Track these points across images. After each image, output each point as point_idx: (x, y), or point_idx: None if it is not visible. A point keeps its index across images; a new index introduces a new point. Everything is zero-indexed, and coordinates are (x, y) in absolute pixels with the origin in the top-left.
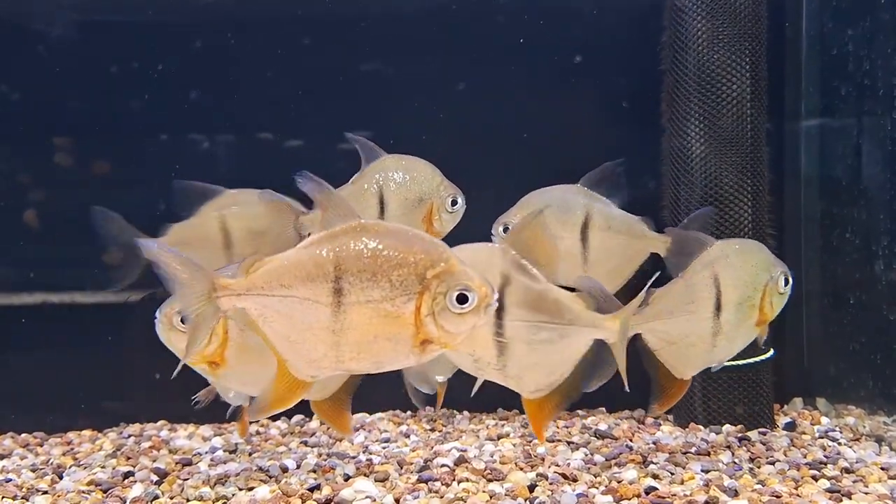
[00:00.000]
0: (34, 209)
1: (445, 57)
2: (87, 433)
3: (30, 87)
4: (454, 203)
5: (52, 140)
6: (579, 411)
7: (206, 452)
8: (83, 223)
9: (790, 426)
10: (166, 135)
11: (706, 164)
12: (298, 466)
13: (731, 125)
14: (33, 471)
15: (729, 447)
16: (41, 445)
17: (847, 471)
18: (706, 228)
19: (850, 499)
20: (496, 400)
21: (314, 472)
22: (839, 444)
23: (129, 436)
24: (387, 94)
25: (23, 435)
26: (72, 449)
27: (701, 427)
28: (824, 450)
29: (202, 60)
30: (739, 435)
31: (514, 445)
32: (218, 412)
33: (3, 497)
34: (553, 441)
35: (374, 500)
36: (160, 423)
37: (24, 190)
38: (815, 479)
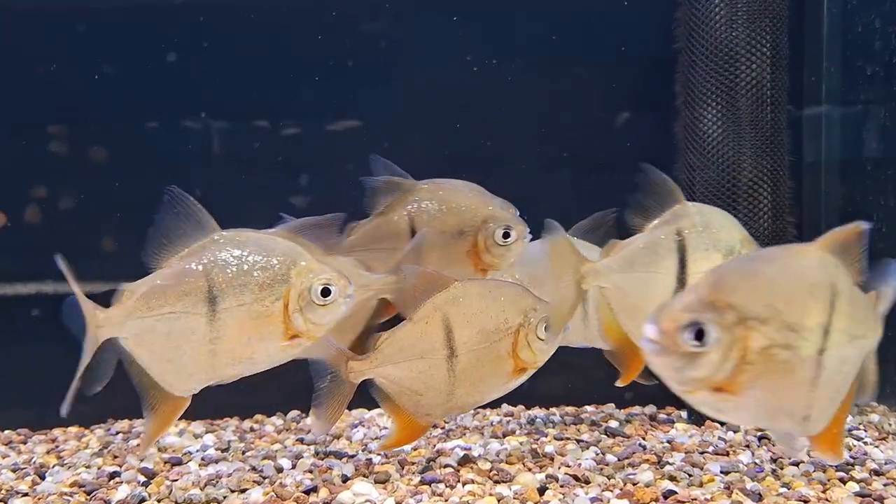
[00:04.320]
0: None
1: (451, 35)
2: (73, 430)
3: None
4: (506, 236)
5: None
6: (588, 407)
7: (197, 451)
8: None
9: None
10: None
11: (723, 149)
12: (294, 466)
13: (750, 108)
14: (14, 471)
15: (748, 446)
16: (24, 443)
17: (876, 473)
18: None
19: None
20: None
21: (310, 472)
22: (865, 443)
23: (117, 433)
24: (391, 80)
25: (6, 432)
26: (57, 447)
27: (717, 425)
28: (850, 450)
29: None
30: (758, 433)
31: (520, 443)
32: (210, 408)
33: None
34: (562, 439)
35: None
36: None
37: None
38: (842, 481)
